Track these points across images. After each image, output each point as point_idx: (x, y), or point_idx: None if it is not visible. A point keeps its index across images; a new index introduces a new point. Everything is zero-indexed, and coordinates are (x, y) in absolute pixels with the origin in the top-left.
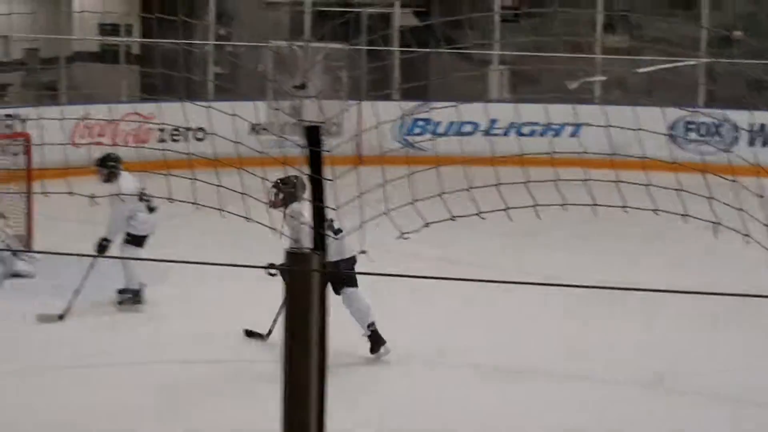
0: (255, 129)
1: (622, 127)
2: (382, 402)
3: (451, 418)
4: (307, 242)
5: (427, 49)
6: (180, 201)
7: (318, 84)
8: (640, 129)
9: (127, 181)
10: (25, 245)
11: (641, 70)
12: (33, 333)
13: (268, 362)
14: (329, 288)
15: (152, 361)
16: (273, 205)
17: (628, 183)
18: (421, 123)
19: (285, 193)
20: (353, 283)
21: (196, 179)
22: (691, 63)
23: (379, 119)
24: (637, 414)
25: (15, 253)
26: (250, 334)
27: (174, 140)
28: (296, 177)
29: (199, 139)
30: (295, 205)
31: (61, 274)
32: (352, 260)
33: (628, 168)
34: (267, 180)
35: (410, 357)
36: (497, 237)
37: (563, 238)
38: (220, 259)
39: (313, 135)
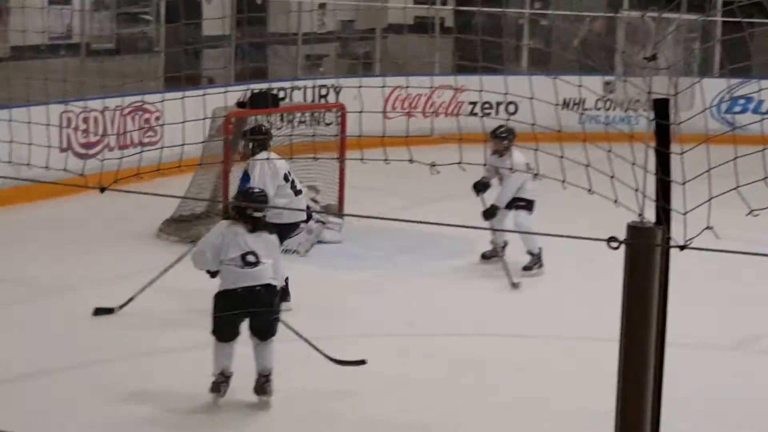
0: (566, 103)
1: None
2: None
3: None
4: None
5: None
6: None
7: (669, 56)
8: None
9: (518, 155)
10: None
11: None
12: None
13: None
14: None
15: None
16: None
17: None
18: (741, 101)
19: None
20: None
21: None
22: None
23: (703, 95)
24: None
25: (324, 222)
26: (99, 311)
27: (485, 114)
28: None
29: (511, 114)
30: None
31: (371, 243)
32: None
33: None
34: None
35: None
36: None
37: None
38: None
39: (662, 108)
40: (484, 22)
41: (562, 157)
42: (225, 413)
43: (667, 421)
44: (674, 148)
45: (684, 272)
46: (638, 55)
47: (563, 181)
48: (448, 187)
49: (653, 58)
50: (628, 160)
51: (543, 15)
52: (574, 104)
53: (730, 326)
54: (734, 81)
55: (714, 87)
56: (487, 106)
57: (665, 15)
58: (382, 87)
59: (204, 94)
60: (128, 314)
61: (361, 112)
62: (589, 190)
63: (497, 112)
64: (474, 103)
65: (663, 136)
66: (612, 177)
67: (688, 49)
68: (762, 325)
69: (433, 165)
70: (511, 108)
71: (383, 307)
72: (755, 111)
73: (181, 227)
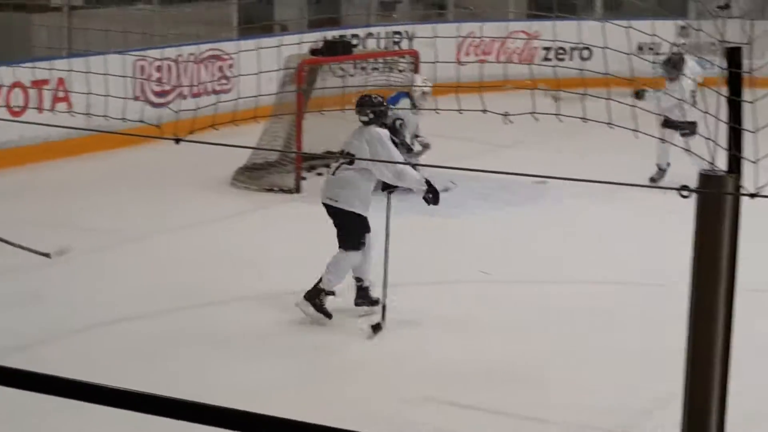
0: (640, 48)
1: None
2: None
3: None
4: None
5: None
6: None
7: (743, 4)
8: None
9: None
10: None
11: None
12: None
13: None
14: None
15: None
16: None
17: None
18: None
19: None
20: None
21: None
22: None
23: None
24: None
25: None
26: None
27: (559, 59)
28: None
29: (584, 59)
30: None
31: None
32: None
33: None
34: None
35: None
36: None
37: None
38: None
39: (734, 57)
40: None
41: (633, 106)
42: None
43: (753, 362)
44: (747, 94)
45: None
46: (712, 3)
47: (635, 130)
48: (520, 134)
49: (726, 6)
50: (701, 108)
51: None
52: (649, 49)
53: None
54: None
55: None
56: (561, 51)
57: None
58: (456, 37)
59: (280, 45)
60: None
61: (435, 61)
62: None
63: (571, 58)
64: (547, 49)
65: (735, 85)
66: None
67: None
68: None
69: (506, 115)
70: (586, 53)
71: (456, 254)
72: None
73: (255, 175)
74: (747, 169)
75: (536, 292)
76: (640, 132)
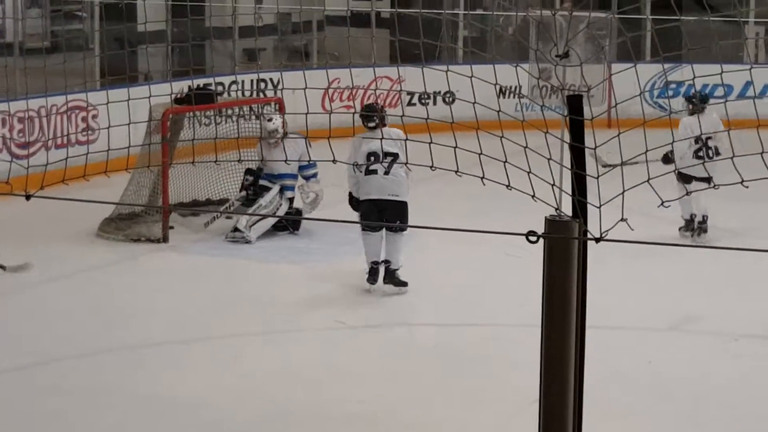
0: (503, 92)
1: None
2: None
3: (692, 386)
4: None
5: (678, 17)
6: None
7: (581, 53)
8: None
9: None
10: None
11: None
12: None
13: None
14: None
15: None
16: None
17: None
18: (673, 86)
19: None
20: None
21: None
22: None
23: (628, 84)
24: None
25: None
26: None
27: (423, 104)
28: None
29: (447, 103)
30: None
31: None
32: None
33: None
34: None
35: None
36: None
37: None
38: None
39: (575, 103)
40: (419, 13)
41: (480, 153)
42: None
43: (614, 396)
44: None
45: (622, 257)
46: (551, 52)
47: (482, 177)
48: None
49: (565, 55)
50: (544, 155)
51: (479, 4)
52: (510, 92)
53: (665, 308)
54: (667, 66)
55: (647, 72)
56: (425, 96)
57: (576, 13)
58: (319, 87)
59: (151, 95)
60: None
61: (302, 113)
62: (508, 186)
63: (435, 103)
64: (411, 94)
65: (577, 131)
66: (529, 172)
67: (599, 45)
68: (695, 307)
69: (356, 165)
70: (449, 97)
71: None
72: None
73: (121, 225)
74: (594, 212)
75: (391, 336)
76: (488, 179)
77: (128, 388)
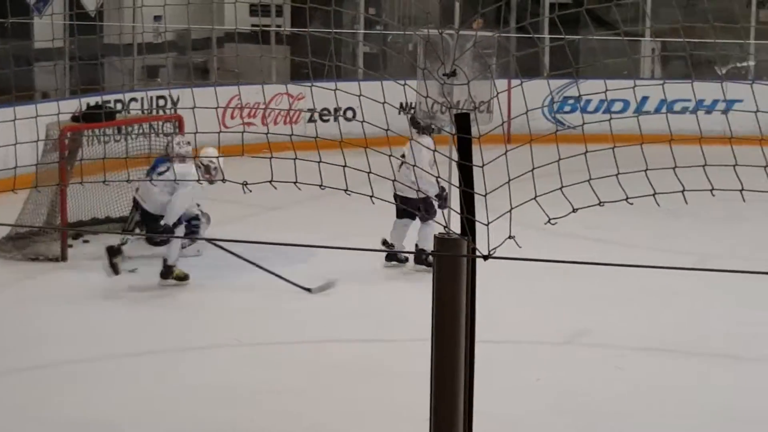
0: (404, 108)
1: None
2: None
3: (582, 399)
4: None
5: (572, 36)
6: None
7: (468, 71)
8: None
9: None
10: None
11: None
12: None
13: None
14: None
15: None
16: None
17: None
18: (570, 101)
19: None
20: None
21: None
22: None
23: (527, 99)
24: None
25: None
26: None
27: (324, 120)
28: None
29: (348, 119)
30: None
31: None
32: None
33: None
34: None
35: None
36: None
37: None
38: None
39: (463, 122)
40: (319, 29)
41: (369, 172)
42: None
43: (505, 411)
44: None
45: (516, 273)
46: (438, 71)
47: (371, 196)
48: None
49: (453, 74)
50: (433, 173)
51: (377, 21)
52: (410, 108)
53: (558, 323)
54: (563, 82)
55: (544, 88)
56: (325, 112)
57: (462, 32)
58: (218, 107)
59: (42, 114)
60: None
61: (196, 133)
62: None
63: (335, 119)
64: (312, 110)
65: (465, 149)
66: (417, 190)
67: (485, 64)
68: (586, 321)
69: (244, 184)
70: (349, 113)
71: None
72: (583, 110)
73: (19, 244)
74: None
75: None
76: (378, 198)
77: (31, 409)
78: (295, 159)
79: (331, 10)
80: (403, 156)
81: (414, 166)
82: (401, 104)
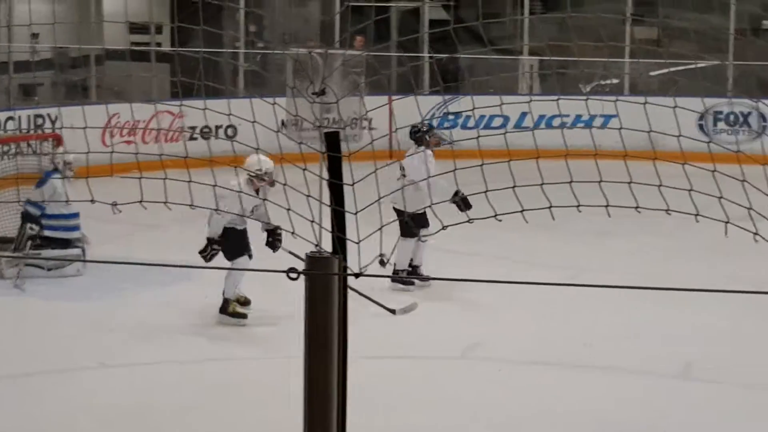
0: (285, 124)
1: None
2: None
3: (478, 411)
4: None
5: (452, 54)
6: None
7: (337, 90)
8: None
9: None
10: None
11: (654, 73)
12: None
13: None
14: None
15: None
16: None
17: (641, 183)
18: (451, 117)
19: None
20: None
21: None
22: (708, 64)
23: (409, 115)
24: (668, 404)
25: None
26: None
27: (204, 138)
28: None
29: (230, 137)
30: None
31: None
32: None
33: (659, 159)
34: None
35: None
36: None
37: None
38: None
39: (332, 140)
40: (200, 47)
41: (239, 192)
42: None
43: (391, 424)
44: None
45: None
46: (307, 90)
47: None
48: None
49: (322, 93)
50: (304, 192)
51: (260, 38)
52: (292, 125)
53: (452, 337)
54: (447, 97)
55: (428, 103)
56: (207, 129)
57: (331, 51)
58: (99, 127)
59: None
60: None
61: (83, 153)
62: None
63: (217, 136)
64: (193, 128)
65: (335, 168)
66: (288, 209)
67: (355, 82)
68: (478, 334)
69: (114, 204)
70: (231, 131)
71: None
72: (463, 126)
73: None
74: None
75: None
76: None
77: None
78: (165, 179)
79: (200, 29)
80: (402, 169)
81: (425, 179)
82: (282, 121)
